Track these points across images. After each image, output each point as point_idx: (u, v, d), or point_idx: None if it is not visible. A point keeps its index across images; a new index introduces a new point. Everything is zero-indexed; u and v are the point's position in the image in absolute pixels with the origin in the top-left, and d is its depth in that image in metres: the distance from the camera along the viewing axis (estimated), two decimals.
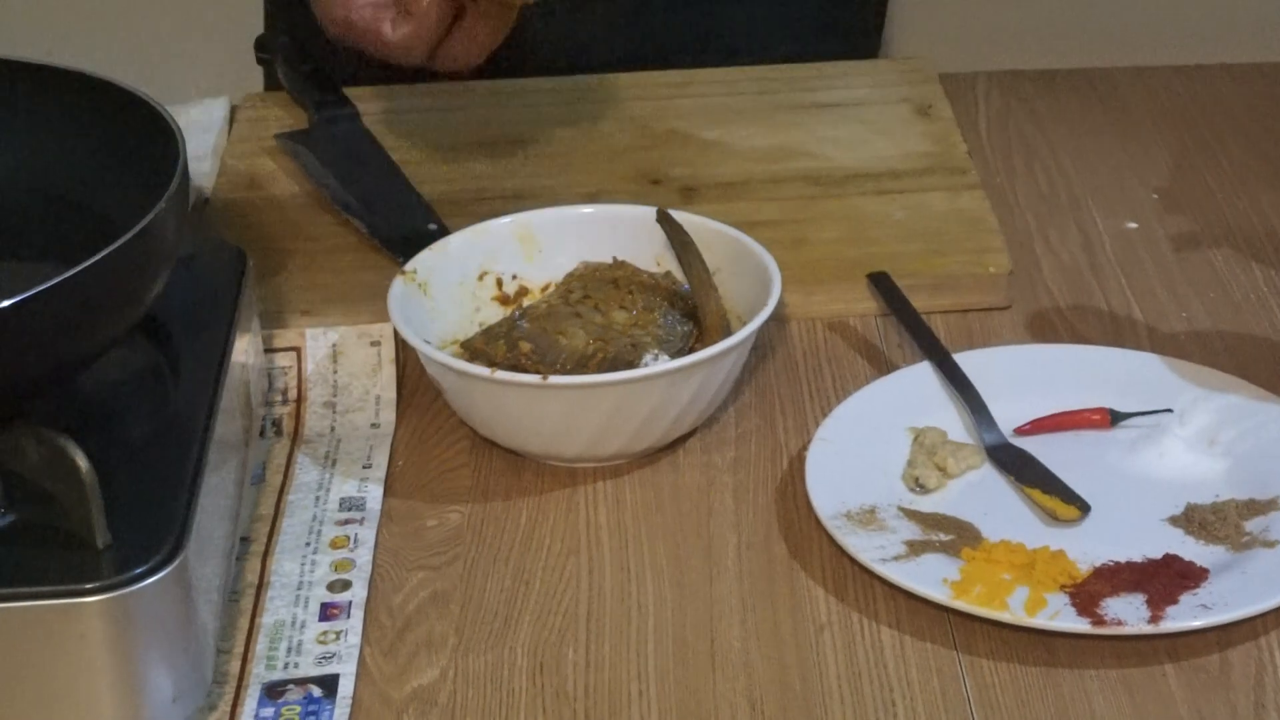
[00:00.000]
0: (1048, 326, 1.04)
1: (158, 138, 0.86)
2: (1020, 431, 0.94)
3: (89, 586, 0.73)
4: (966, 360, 0.97)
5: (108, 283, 0.78)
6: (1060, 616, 0.81)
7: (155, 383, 0.86)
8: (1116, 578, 0.84)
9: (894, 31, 1.76)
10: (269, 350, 0.98)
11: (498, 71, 1.24)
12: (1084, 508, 0.88)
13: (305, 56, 1.24)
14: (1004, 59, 1.33)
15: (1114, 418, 0.94)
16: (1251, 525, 0.87)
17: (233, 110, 1.25)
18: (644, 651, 0.82)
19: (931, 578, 0.83)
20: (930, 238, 1.08)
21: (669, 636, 0.83)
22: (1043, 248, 1.11)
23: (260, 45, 1.26)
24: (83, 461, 0.74)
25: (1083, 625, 0.81)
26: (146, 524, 0.76)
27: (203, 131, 1.20)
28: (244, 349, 0.91)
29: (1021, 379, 0.96)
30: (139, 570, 0.74)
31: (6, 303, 0.73)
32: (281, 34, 1.27)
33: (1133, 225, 1.13)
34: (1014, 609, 0.81)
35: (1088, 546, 0.86)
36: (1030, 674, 0.80)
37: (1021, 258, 1.08)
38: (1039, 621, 0.81)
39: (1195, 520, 0.87)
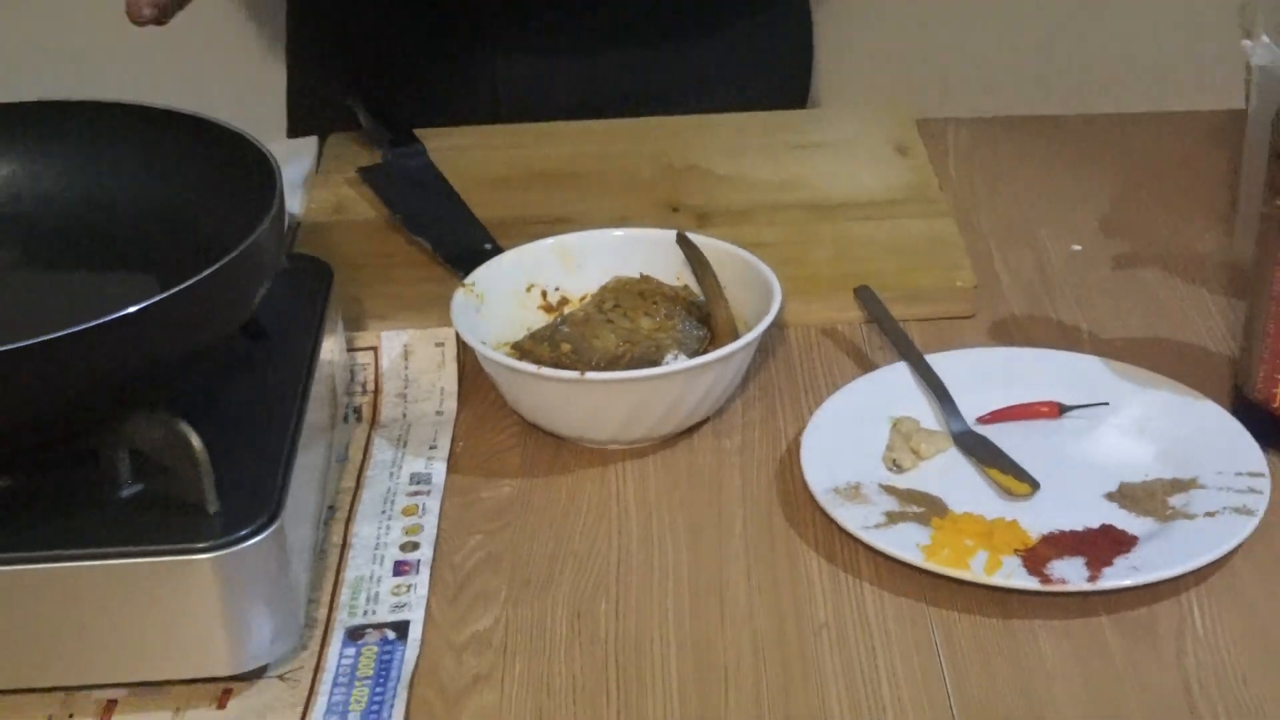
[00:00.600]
0: (1006, 332, 1.04)
1: (259, 170, 0.87)
2: (981, 421, 0.94)
3: (202, 546, 0.74)
4: (937, 360, 0.98)
5: (218, 292, 0.78)
6: (1014, 576, 0.82)
7: (257, 375, 0.86)
8: (1061, 544, 0.84)
9: (878, 81, 1.77)
10: (351, 349, 0.99)
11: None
12: (1034, 485, 0.89)
13: (381, 105, 1.25)
14: (971, 107, 1.33)
15: (1061, 409, 0.94)
16: (1175, 500, 0.87)
17: (320, 148, 1.26)
18: (664, 604, 0.83)
19: (906, 543, 0.84)
20: (907, 256, 1.09)
21: (685, 591, 0.84)
22: (1002, 266, 1.11)
23: (346, 94, 1.26)
24: (196, 442, 0.75)
25: (1033, 583, 0.81)
26: (249, 494, 0.77)
27: (295, 166, 1.21)
28: (330, 348, 0.92)
29: (983, 376, 0.97)
30: (243, 532, 0.75)
31: (135, 307, 0.74)
32: (353, 90, 1.27)
33: (1078, 248, 1.13)
34: (975, 569, 0.82)
35: (1037, 517, 0.86)
36: (988, 624, 0.81)
37: (984, 274, 1.08)
38: (996, 580, 0.82)
39: (1128, 496, 0.88)
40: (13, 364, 0.72)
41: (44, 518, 0.76)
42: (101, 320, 0.73)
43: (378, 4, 1.32)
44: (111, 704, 0.77)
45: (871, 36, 1.77)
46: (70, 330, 0.72)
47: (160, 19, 0.92)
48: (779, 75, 1.39)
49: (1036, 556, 0.83)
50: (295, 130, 1.40)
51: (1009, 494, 0.89)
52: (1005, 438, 0.92)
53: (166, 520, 0.75)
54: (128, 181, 0.93)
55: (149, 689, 0.77)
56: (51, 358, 0.72)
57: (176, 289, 0.75)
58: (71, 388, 0.75)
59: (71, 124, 0.94)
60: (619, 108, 1.29)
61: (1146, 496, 0.87)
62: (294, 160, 1.22)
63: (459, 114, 1.27)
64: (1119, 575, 0.81)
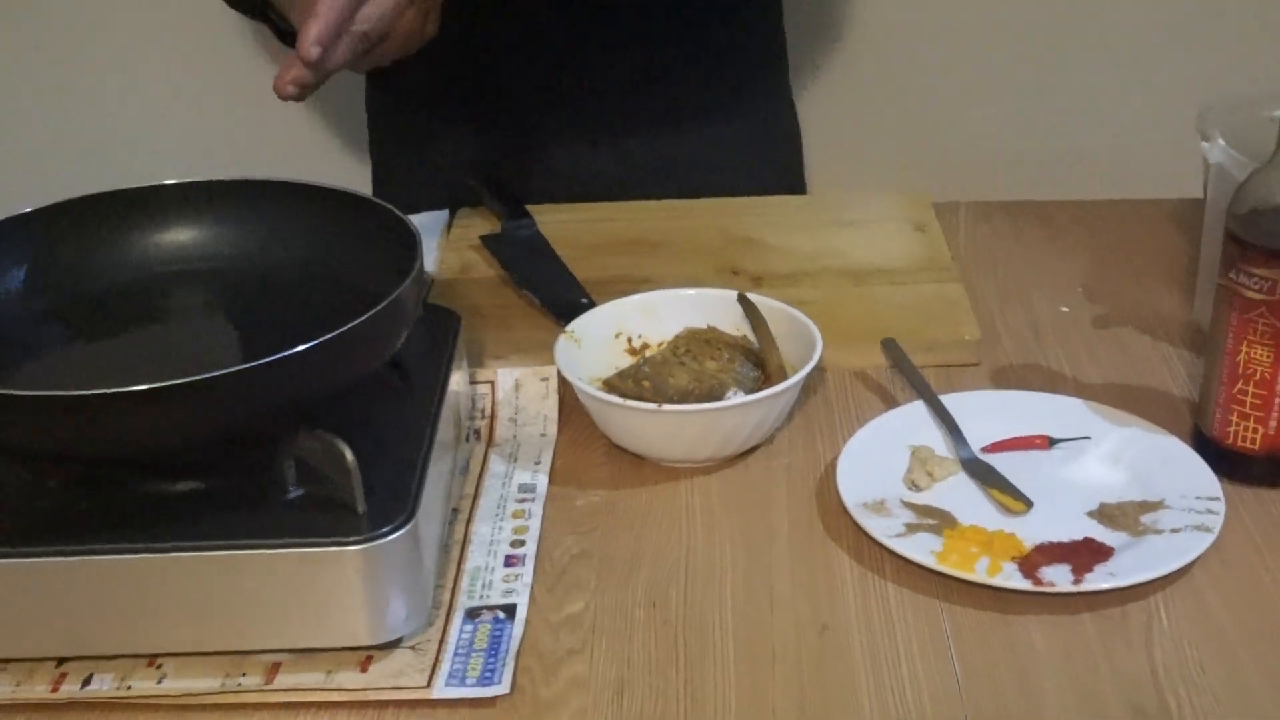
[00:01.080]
0: (1004, 377, 1.03)
1: (403, 237, 0.87)
2: (985, 449, 0.93)
3: (351, 539, 0.74)
4: (948, 399, 0.97)
5: (370, 334, 0.79)
6: (1011, 579, 0.81)
7: (397, 401, 0.86)
8: (1050, 552, 0.83)
9: (899, 169, 1.76)
10: (473, 382, 0.99)
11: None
12: (1028, 503, 0.87)
13: (500, 185, 1.25)
14: (977, 193, 1.32)
15: (1050, 441, 0.93)
16: (1145, 519, 0.86)
17: (450, 220, 1.26)
18: (723, 595, 0.82)
19: (922, 549, 0.83)
20: (923, 314, 1.08)
21: (740, 584, 0.83)
22: (1001, 323, 1.10)
23: (470, 176, 1.27)
24: (349, 454, 0.75)
25: (1026, 585, 0.80)
26: (390, 497, 0.77)
27: (430, 234, 1.22)
28: (457, 380, 0.92)
29: (986, 413, 0.96)
30: (385, 529, 0.75)
31: (305, 346, 0.74)
32: (477, 174, 1.27)
33: (1064, 309, 1.12)
34: (979, 572, 0.81)
35: (1030, 530, 0.85)
36: (990, 618, 0.80)
37: (987, 329, 1.07)
38: (996, 581, 0.81)
39: (1106, 514, 0.87)
40: (209, 389, 0.72)
41: (225, 513, 0.77)
42: (279, 355, 0.74)
43: (444, 111, 1.33)
44: (276, 665, 0.77)
45: (861, 127, 1.77)
46: (256, 363, 0.73)
47: (300, 96, 0.93)
48: (773, 163, 1.39)
49: (1030, 563, 0.82)
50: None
51: (1007, 510, 0.88)
52: (1004, 464, 0.91)
53: (323, 518, 0.76)
54: (296, 244, 0.94)
55: (305, 654, 0.78)
56: (239, 384, 0.73)
57: (337, 332, 0.76)
58: (252, 408, 0.75)
59: (253, 197, 0.95)
60: (650, 186, 1.30)
61: (1121, 515, 0.86)
62: (429, 229, 1.22)
63: (526, 194, 1.27)
64: (1098, 579, 0.80)
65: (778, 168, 1.40)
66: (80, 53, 1.77)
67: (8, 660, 0.78)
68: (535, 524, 0.88)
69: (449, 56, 1.29)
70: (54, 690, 0.76)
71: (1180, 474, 0.89)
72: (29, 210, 0.92)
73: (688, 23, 1.25)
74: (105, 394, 0.72)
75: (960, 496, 0.89)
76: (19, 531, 0.76)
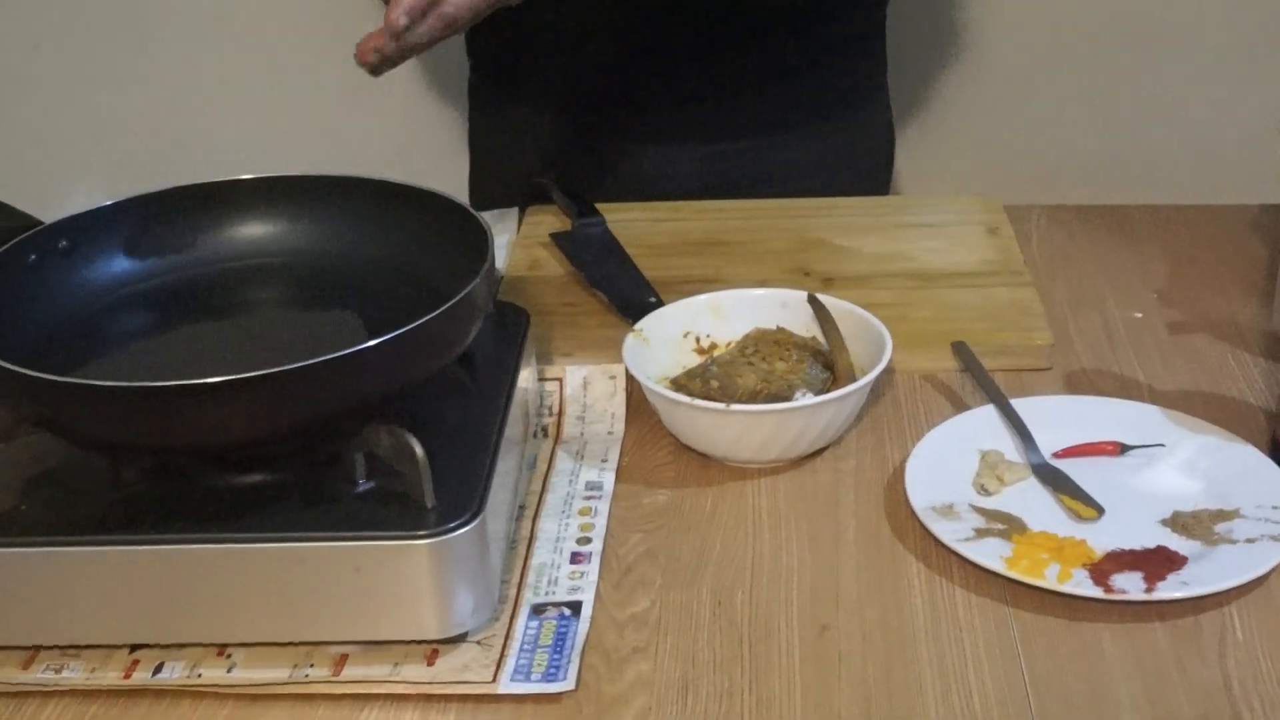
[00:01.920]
0: (1077, 383, 1.02)
1: (474, 234, 0.88)
2: (1056, 455, 0.92)
3: (420, 533, 0.74)
4: (1019, 404, 0.96)
5: (441, 330, 0.79)
6: (1081, 586, 0.80)
7: (467, 397, 0.87)
8: (1121, 560, 0.82)
9: (975, 171, 1.75)
10: (541, 379, 0.99)
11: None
12: (1100, 510, 0.86)
13: (570, 184, 1.26)
14: (1052, 196, 1.31)
15: (1122, 448, 0.92)
16: (1219, 528, 0.84)
17: (520, 218, 1.27)
18: (789, 595, 0.82)
19: (991, 554, 0.82)
20: (995, 318, 1.07)
21: (806, 586, 0.83)
22: (1074, 328, 1.08)
23: (540, 175, 1.27)
24: (419, 449, 0.75)
25: (1097, 592, 0.79)
26: (459, 492, 0.77)
27: (501, 231, 1.22)
28: (525, 377, 0.92)
29: (1057, 419, 0.95)
30: (453, 524, 0.75)
31: (377, 340, 0.75)
32: (552, 172, 1.28)
33: (1139, 315, 1.10)
34: (1049, 579, 0.80)
35: (1101, 538, 0.84)
36: (1059, 625, 0.79)
37: (1059, 334, 1.06)
38: (1066, 588, 0.80)
39: (1179, 523, 0.85)
40: (282, 382, 0.73)
41: (296, 506, 0.77)
42: (351, 350, 0.74)
43: (545, 106, 1.34)
44: (344, 657, 0.78)
45: (933, 130, 1.76)
46: (328, 357, 0.74)
47: (378, 67, 0.93)
48: (863, 167, 1.39)
49: (1101, 570, 0.81)
50: (475, 203, 1.41)
51: (1078, 517, 0.86)
52: (1075, 470, 0.90)
53: (392, 512, 0.76)
54: (368, 240, 0.94)
55: (373, 646, 0.78)
56: (312, 378, 0.74)
57: (409, 327, 0.76)
58: (324, 402, 0.76)
59: (326, 193, 0.96)
60: (735, 190, 1.30)
61: (1195, 523, 0.85)
62: (500, 227, 1.23)
63: (608, 192, 1.27)
64: (1171, 588, 0.79)
65: (865, 175, 1.39)
66: (168, 47, 1.81)
67: (82, 647, 0.79)
68: (601, 522, 0.88)
69: (551, 52, 1.30)
70: (126, 677, 0.77)
71: (1256, 483, 0.87)
72: (110, 203, 0.93)
73: (794, 30, 1.26)
74: (180, 386, 0.73)
75: (1030, 502, 0.88)
76: (95, 520, 0.77)
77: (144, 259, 0.94)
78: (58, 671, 0.78)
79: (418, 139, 1.81)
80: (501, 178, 1.38)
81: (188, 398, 0.73)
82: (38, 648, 0.79)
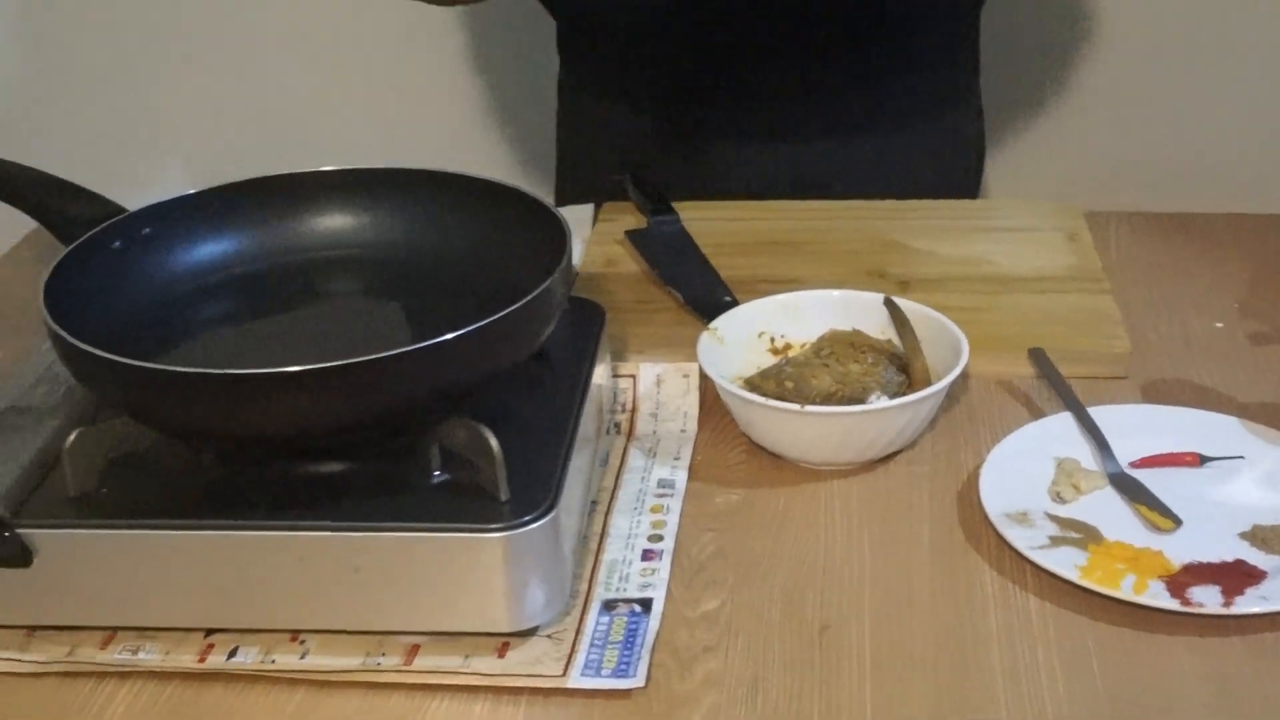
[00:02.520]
0: (1155, 392, 1.00)
1: (552, 230, 0.88)
2: (1133, 465, 0.91)
3: (494, 527, 0.75)
4: (1096, 412, 0.94)
5: (518, 325, 0.79)
6: (1158, 597, 0.79)
7: (542, 393, 0.87)
8: (1199, 573, 0.81)
9: (1054, 177, 1.74)
10: (615, 375, 0.99)
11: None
12: (1177, 521, 0.85)
13: (646, 182, 1.26)
14: (1131, 203, 1.30)
15: (1201, 459, 0.91)
16: None
17: (595, 214, 1.27)
18: (861, 597, 0.82)
19: (1066, 563, 0.81)
20: (1073, 325, 1.06)
21: (878, 589, 0.82)
22: (1153, 337, 1.07)
23: (618, 172, 1.28)
24: (494, 443, 0.75)
25: (1174, 605, 0.78)
26: (532, 487, 0.77)
27: (577, 227, 1.21)
28: (599, 374, 0.92)
29: (1135, 428, 0.93)
30: (527, 518, 0.75)
31: (454, 334, 0.75)
32: (627, 170, 1.28)
33: (1219, 325, 1.09)
34: (1125, 590, 0.79)
35: (1179, 549, 0.83)
36: (1135, 636, 0.78)
37: (1138, 343, 1.04)
38: (1143, 600, 0.79)
39: (1259, 536, 0.84)
40: (360, 372, 0.73)
41: (371, 496, 0.78)
42: (429, 343, 0.75)
43: (632, 103, 1.34)
44: (415, 647, 0.78)
45: (1012, 134, 1.75)
46: (406, 349, 0.74)
47: None
48: (948, 172, 1.38)
49: (1177, 582, 0.80)
50: (561, 197, 1.42)
51: (1155, 528, 0.85)
52: (1153, 480, 0.89)
53: (466, 504, 0.76)
54: (447, 233, 0.95)
55: (444, 637, 0.78)
56: (389, 369, 0.74)
57: (487, 320, 0.76)
58: (401, 393, 0.76)
59: (407, 186, 0.96)
60: (816, 190, 1.29)
61: (1275, 537, 0.83)
62: (576, 223, 1.22)
63: (690, 189, 1.27)
64: (1250, 603, 0.78)
65: (950, 179, 1.38)
66: (255, 39, 1.83)
67: (159, 629, 0.80)
68: (673, 519, 0.88)
69: (640, 50, 1.30)
70: (201, 660, 0.78)
71: None
72: (193, 191, 0.94)
73: (883, 35, 1.25)
74: (261, 374, 0.73)
75: (1106, 511, 0.87)
76: (175, 504, 0.78)
77: (225, 247, 0.94)
78: (134, 652, 0.79)
79: (503, 134, 1.82)
80: (588, 174, 1.38)
81: (268, 386, 0.74)
82: (116, 629, 0.80)
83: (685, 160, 1.32)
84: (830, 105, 1.30)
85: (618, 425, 0.98)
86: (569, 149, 1.44)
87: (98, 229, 0.90)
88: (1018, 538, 0.83)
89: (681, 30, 1.26)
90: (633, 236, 1.19)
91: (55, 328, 0.78)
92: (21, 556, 0.77)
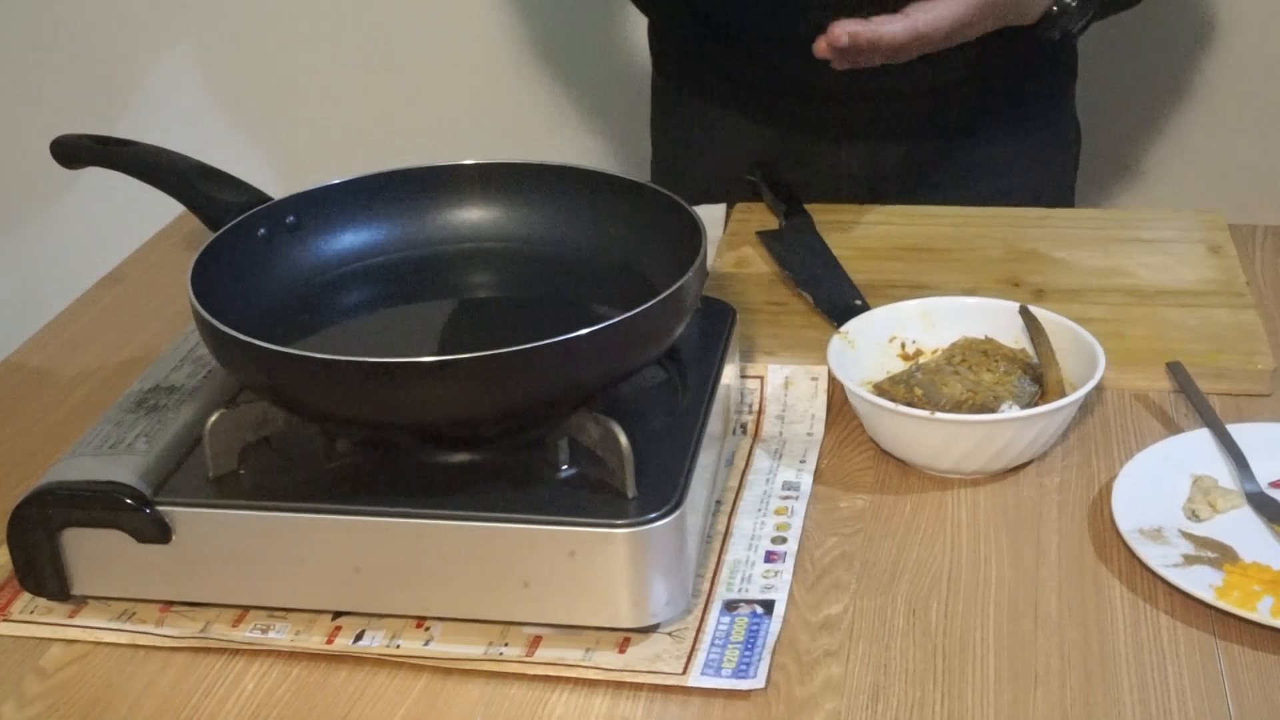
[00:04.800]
0: None
1: (687, 229, 0.88)
2: (1273, 485, 0.88)
3: (621, 522, 0.75)
4: (1236, 430, 0.92)
5: (651, 322, 0.80)
6: None
7: (671, 392, 0.87)
8: None
9: (1198, 188, 1.69)
10: (743, 376, 0.98)
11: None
12: None
13: (780, 183, 1.25)
14: (1276, 216, 1.26)
15: None
16: None
17: (728, 213, 1.26)
18: (986, 610, 0.80)
19: (1200, 583, 0.79)
20: (1214, 340, 1.03)
21: (1005, 602, 0.81)
22: None
23: (750, 173, 1.27)
24: (623, 439, 0.76)
25: None
26: (660, 484, 0.77)
27: (709, 226, 1.21)
28: (728, 374, 0.92)
29: (1277, 447, 0.91)
30: (653, 515, 0.75)
31: (588, 330, 0.75)
32: (761, 167, 1.27)
33: None
34: (1262, 612, 0.77)
35: None
36: (1271, 661, 0.76)
37: None
38: None
39: None
40: (495, 365, 0.74)
41: (500, 487, 0.78)
42: (564, 338, 0.75)
43: (739, 104, 1.34)
44: (538, 639, 0.79)
45: (1173, 148, 1.71)
46: (541, 343, 0.75)
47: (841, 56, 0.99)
48: (1053, 168, 1.37)
49: None
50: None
51: None
52: None
53: (594, 499, 0.76)
54: (583, 229, 0.95)
55: (567, 630, 0.79)
56: (524, 363, 0.74)
57: (622, 317, 0.77)
58: (534, 387, 0.76)
59: (543, 181, 0.97)
60: (926, 192, 1.29)
61: None
62: (709, 222, 1.22)
63: (801, 187, 1.26)
64: None
65: (1054, 176, 1.37)
66: (392, 38, 1.86)
67: (289, 610, 0.81)
68: (797, 522, 0.88)
69: (746, 51, 1.29)
70: (329, 642, 0.79)
71: None
72: (336, 182, 0.96)
73: (995, 35, 1.24)
74: (397, 364, 0.74)
75: (1243, 531, 0.85)
76: (308, 488, 0.80)
77: (366, 237, 0.96)
78: (264, 632, 0.80)
79: (595, 136, 1.84)
80: (690, 175, 1.38)
81: (404, 375, 0.74)
82: (248, 608, 0.82)
83: (794, 159, 1.32)
84: (942, 105, 1.29)
85: (744, 426, 0.97)
86: (665, 152, 1.43)
87: (244, 216, 0.92)
88: (1150, 555, 0.81)
89: (790, 34, 1.25)
90: (765, 238, 1.19)
91: (201, 311, 0.80)
92: (161, 533, 0.79)
